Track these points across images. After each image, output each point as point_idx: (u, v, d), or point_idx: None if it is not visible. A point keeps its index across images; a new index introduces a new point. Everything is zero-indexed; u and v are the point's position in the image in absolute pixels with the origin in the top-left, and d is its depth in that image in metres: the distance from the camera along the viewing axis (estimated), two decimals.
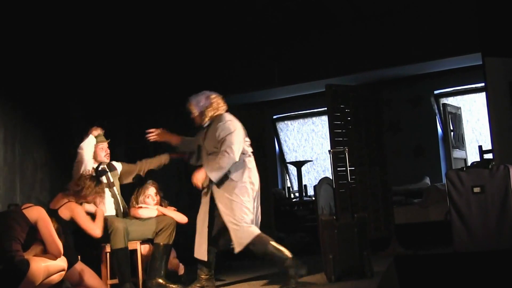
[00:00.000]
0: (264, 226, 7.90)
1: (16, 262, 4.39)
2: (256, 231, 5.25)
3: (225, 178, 5.28)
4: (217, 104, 5.48)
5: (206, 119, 5.46)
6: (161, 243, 5.69)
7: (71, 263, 4.96)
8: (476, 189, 5.64)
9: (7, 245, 4.43)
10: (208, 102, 5.46)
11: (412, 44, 8.54)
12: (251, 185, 5.34)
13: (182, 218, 5.95)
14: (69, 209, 5.32)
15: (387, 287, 3.30)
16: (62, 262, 4.70)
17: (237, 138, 5.26)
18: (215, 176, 5.22)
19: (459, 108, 9.58)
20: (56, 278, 4.64)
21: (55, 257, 4.62)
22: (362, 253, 5.23)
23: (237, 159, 5.24)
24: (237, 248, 5.23)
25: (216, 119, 5.39)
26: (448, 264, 3.09)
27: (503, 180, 5.57)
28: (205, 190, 5.42)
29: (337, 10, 8.76)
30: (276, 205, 8.70)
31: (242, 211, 5.22)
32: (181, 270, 6.12)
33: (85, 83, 7.41)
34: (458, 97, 9.96)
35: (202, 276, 5.49)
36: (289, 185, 10.93)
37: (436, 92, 9.87)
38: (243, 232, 5.20)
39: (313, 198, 8.22)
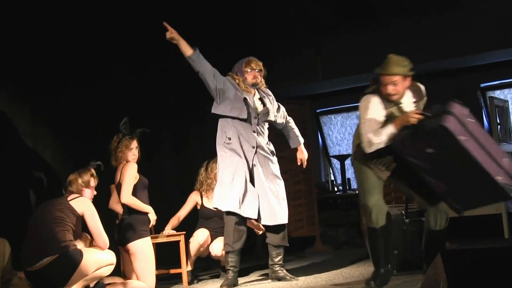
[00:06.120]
0: (307, 218, 7.99)
1: (71, 252, 4.41)
2: None
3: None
4: None
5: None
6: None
7: None
8: None
9: (61, 235, 4.43)
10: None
11: (458, 37, 8.41)
12: None
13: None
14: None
15: (432, 281, 3.28)
16: (111, 256, 4.69)
17: None
18: None
19: (506, 101, 9.41)
20: (106, 271, 4.64)
21: (102, 249, 4.63)
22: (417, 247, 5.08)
23: None
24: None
25: (265, 89, 5.60)
26: (497, 257, 3.06)
27: None
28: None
29: (381, 3, 8.69)
30: (319, 198, 8.69)
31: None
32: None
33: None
34: (506, 90, 9.78)
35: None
36: (332, 178, 10.91)
37: (482, 85, 9.70)
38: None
39: (357, 192, 8.19)
